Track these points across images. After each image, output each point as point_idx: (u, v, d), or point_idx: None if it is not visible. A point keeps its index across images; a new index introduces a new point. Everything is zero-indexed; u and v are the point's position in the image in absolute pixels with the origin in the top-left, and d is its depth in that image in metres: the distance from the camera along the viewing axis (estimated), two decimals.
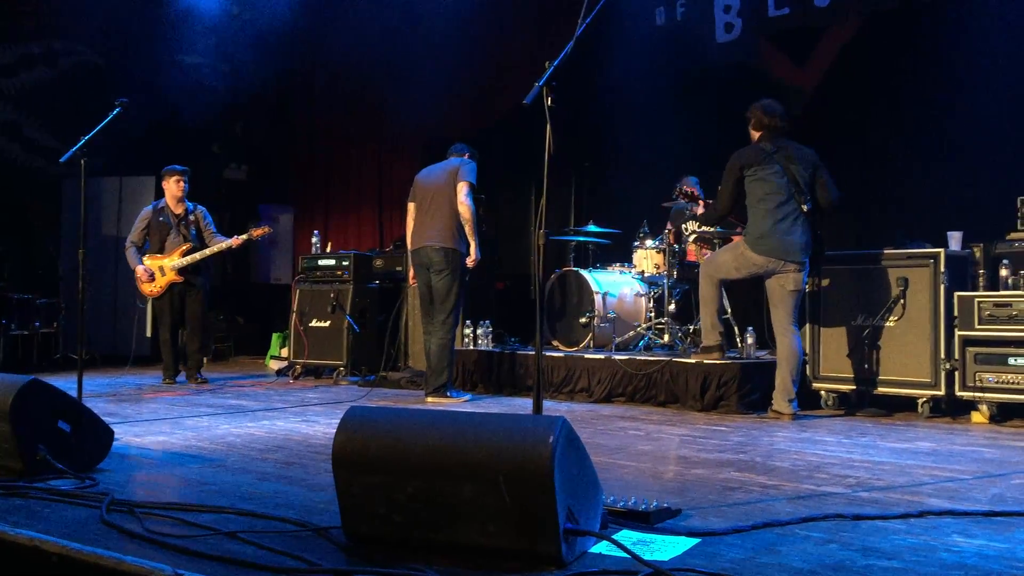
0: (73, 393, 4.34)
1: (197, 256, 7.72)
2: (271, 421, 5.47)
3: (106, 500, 2.99)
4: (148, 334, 10.10)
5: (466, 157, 6.72)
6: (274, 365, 9.40)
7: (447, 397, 6.43)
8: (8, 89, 10.48)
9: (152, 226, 7.82)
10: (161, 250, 7.79)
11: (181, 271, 7.71)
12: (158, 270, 7.72)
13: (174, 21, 10.65)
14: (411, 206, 6.75)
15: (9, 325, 9.18)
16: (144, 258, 7.77)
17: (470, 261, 6.52)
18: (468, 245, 6.51)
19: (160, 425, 5.23)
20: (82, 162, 5.18)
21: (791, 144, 5.64)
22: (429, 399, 6.44)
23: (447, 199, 6.47)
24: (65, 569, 2.39)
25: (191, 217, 7.87)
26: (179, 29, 10.70)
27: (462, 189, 6.43)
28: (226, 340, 10.98)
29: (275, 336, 9.86)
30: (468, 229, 6.46)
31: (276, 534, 2.69)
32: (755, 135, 5.75)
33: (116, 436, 4.00)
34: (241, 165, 11.96)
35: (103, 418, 3.91)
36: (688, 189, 7.22)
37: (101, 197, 10.37)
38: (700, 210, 6.83)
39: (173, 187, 7.81)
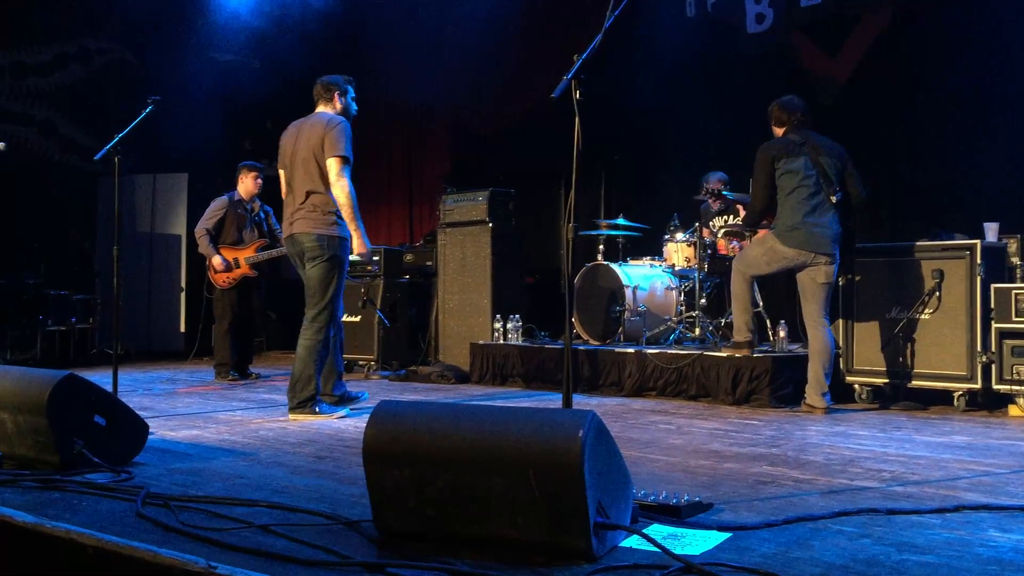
0: (109, 388, 4.40)
1: (274, 253, 7.69)
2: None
3: (141, 493, 3.03)
4: (183, 329, 10.22)
5: (337, 109, 5.50)
6: None
7: (315, 413, 5.27)
8: (44, 88, 10.62)
9: (229, 216, 7.72)
10: (238, 241, 7.71)
11: (254, 266, 7.70)
12: (233, 261, 7.66)
13: (206, 19, 10.74)
14: (281, 174, 5.59)
15: (46, 321, 9.32)
16: (220, 248, 7.65)
17: (355, 255, 5.42)
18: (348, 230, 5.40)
19: (194, 419, 5.29)
20: (116, 159, 5.24)
21: (817, 136, 5.59)
22: (291, 416, 5.29)
23: (318, 172, 5.30)
24: (100, 561, 2.43)
25: (262, 215, 7.91)
26: (211, 27, 10.79)
27: (333, 167, 5.23)
28: (258, 335, 11.07)
29: None
30: (347, 215, 5.29)
31: (308, 527, 2.71)
32: (778, 131, 5.70)
33: (151, 430, 4.04)
34: (273, 161, 12.04)
35: (138, 412, 3.96)
36: (713, 187, 7.19)
37: (135, 194, 10.50)
38: (743, 214, 6.79)
39: (250, 183, 7.78)
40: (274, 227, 7.94)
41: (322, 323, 5.34)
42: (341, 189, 5.25)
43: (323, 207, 5.32)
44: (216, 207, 7.77)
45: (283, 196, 5.58)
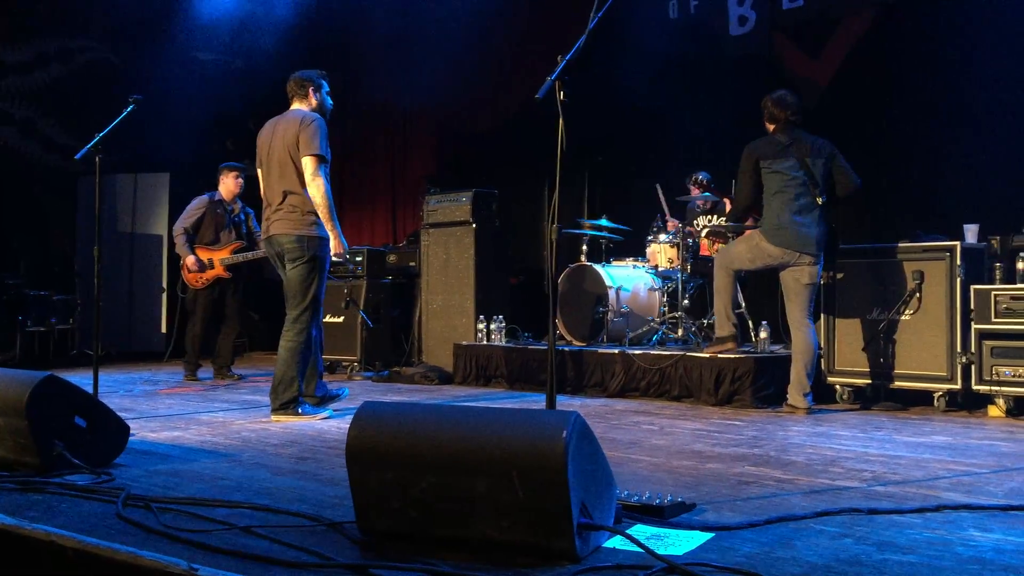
0: (89, 389, 4.36)
1: (250, 256, 7.68)
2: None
3: (122, 495, 3.01)
4: (163, 329, 10.16)
5: (312, 105, 5.40)
6: None
7: (297, 415, 5.25)
8: (24, 87, 10.54)
9: (208, 216, 7.71)
10: (215, 242, 7.69)
11: (229, 268, 7.69)
12: (207, 262, 7.66)
13: (188, 18, 10.70)
14: (260, 174, 5.50)
15: (26, 321, 9.25)
16: (195, 248, 7.66)
17: (333, 255, 5.36)
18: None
19: (175, 421, 5.26)
20: (97, 159, 5.20)
21: (806, 136, 5.60)
22: (274, 417, 5.25)
23: (295, 172, 5.24)
24: (81, 564, 2.41)
25: (242, 216, 7.89)
26: (193, 26, 10.75)
27: (309, 166, 5.15)
28: (240, 336, 11.02)
29: None
30: (323, 215, 5.22)
31: (291, 529, 2.70)
32: (770, 127, 5.71)
33: (132, 432, 4.02)
34: (255, 161, 11.99)
35: (119, 414, 3.93)
36: (701, 180, 7.25)
37: (116, 194, 10.43)
38: (728, 207, 6.79)
39: (231, 183, 7.76)
40: (254, 229, 7.92)
41: (304, 324, 5.29)
42: (317, 188, 5.17)
43: (301, 207, 5.25)
44: (195, 206, 7.76)
45: (262, 197, 5.50)
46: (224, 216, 7.74)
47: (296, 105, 5.43)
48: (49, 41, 10.69)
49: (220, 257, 7.66)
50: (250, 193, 7.92)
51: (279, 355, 5.30)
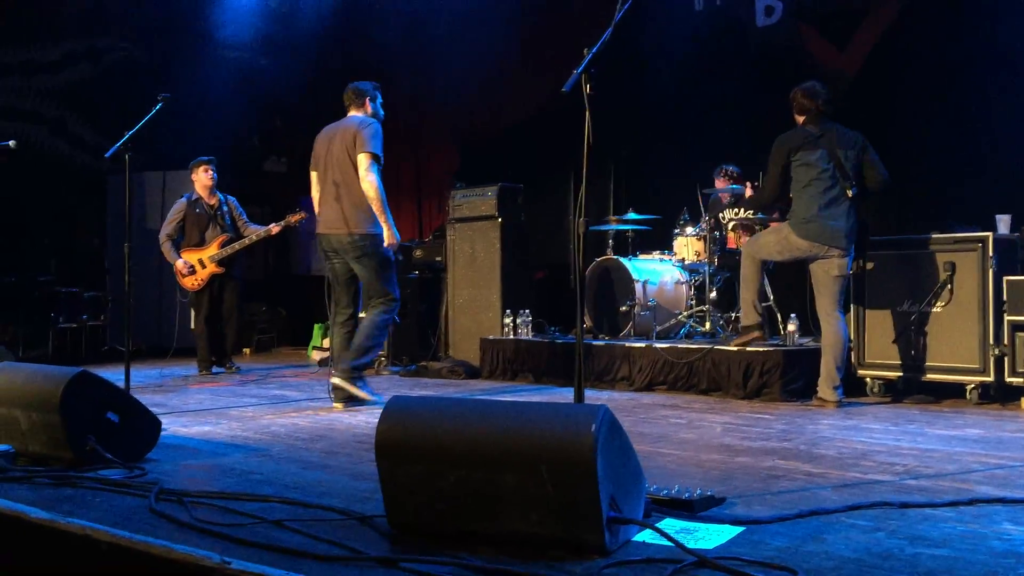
0: (121, 384, 4.41)
1: (236, 246, 7.79)
2: (314, 411, 5.52)
3: (154, 489, 3.04)
4: (192, 326, 10.25)
5: (367, 113, 5.73)
6: (316, 356, 9.48)
7: (355, 387, 5.53)
8: (53, 86, 10.65)
9: (189, 218, 7.83)
10: (201, 242, 7.81)
11: (221, 262, 7.78)
12: (197, 263, 7.77)
13: (215, 16, 10.77)
14: (313, 176, 5.82)
15: (57, 318, 9.36)
16: (182, 251, 7.81)
17: (386, 245, 5.63)
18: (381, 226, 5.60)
19: (206, 416, 5.31)
20: (126, 157, 5.27)
21: (837, 127, 5.53)
22: (335, 381, 5.53)
23: (352, 172, 5.52)
24: (115, 557, 2.44)
25: (224, 208, 7.95)
26: (220, 24, 10.81)
27: (363, 162, 5.45)
28: (269, 331, 11.09)
29: (317, 327, 9.93)
30: (376, 209, 5.51)
31: (321, 523, 2.72)
32: (799, 119, 5.64)
33: (163, 427, 4.06)
34: (281, 158, 12.07)
35: (150, 409, 3.97)
36: (731, 172, 7.22)
37: (145, 191, 10.51)
38: (749, 192, 6.73)
39: (203, 177, 7.86)
40: (239, 216, 8.01)
41: (389, 301, 5.61)
42: (370, 184, 5.46)
43: (360, 206, 5.53)
44: (175, 211, 7.90)
45: (313, 198, 5.77)
46: (204, 215, 7.85)
47: (353, 112, 5.75)
48: (77, 41, 10.79)
49: (209, 255, 7.78)
50: (224, 184, 8.05)
51: (360, 324, 5.60)
